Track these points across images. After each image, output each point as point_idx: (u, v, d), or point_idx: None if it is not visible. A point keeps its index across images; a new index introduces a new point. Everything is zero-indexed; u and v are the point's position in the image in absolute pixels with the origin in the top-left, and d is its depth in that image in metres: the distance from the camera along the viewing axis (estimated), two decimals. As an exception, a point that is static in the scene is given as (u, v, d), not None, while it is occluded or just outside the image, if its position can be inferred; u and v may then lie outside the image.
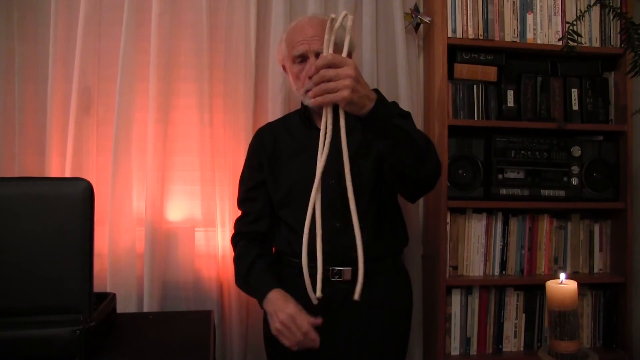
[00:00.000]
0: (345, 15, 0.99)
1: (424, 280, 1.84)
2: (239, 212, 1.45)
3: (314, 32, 1.31)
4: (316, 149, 1.03)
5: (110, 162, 1.64)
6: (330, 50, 1.00)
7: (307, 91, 1.32)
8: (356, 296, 1.00)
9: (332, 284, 1.27)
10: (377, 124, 1.04)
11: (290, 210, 1.34)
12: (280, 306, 1.19)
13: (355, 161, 1.08)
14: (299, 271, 1.31)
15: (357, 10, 1.81)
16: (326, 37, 0.99)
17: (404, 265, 1.46)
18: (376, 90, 1.07)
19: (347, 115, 1.41)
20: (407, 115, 1.32)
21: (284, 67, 1.45)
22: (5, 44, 1.67)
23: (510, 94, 1.76)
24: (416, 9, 1.82)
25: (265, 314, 1.44)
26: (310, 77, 1.29)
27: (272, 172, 1.38)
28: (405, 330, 1.42)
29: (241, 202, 1.44)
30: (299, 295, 1.31)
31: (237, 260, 1.40)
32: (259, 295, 1.27)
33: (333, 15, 0.99)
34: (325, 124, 1.00)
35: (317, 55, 1.30)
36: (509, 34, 1.76)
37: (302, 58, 1.33)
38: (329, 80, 0.97)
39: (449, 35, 1.71)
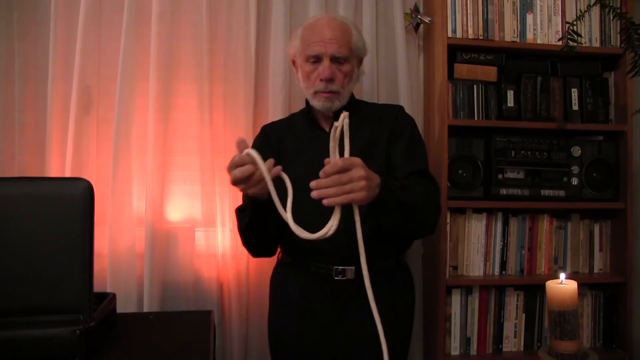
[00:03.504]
0: (346, 116, 0.98)
1: (424, 280, 1.84)
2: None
3: (332, 34, 1.31)
4: (320, 150, 1.04)
5: (110, 162, 1.64)
6: (337, 154, 0.99)
7: (315, 92, 1.33)
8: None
9: (336, 283, 1.28)
10: (383, 204, 1.08)
11: (294, 209, 1.34)
12: None
13: None
14: (303, 269, 1.32)
15: (357, 10, 1.81)
16: (331, 144, 0.98)
17: (407, 264, 1.46)
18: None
19: (353, 118, 1.41)
20: (405, 186, 1.26)
21: (293, 62, 1.44)
22: (5, 44, 1.67)
23: (510, 94, 1.76)
24: (416, 9, 1.82)
25: (269, 314, 1.45)
26: (321, 80, 1.31)
27: None
28: (407, 329, 1.42)
29: None
30: (302, 292, 1.32)
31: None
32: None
33: (337, 124, 0.97)
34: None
35: (332, 58, 1.31)
36: (509, 34, 1.76)
37: (316, 59, 1.33)
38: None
39: (449, 35, 1.71)
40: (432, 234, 1.34)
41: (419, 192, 1.21)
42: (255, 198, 1.12)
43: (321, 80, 1.31)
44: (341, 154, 1.00)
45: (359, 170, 0.99)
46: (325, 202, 0.98)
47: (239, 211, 1.31)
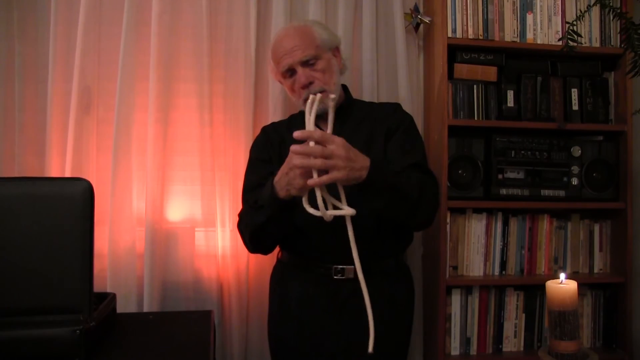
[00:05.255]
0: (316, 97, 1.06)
1: (424, 280, 1.84)
2: (244, 205, 1.37)
3: (292, 43, 1.34)
4: None
5: (110, 162, 1.64)
6: (312, 124, 1.04)
7: (305, 100, 1.33)
8: (370, 349, 1.03)
9: (335, 282, 1.28)
10: (373, 187, 1.09)
11: (295, 210, 1.34)
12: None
13: None
14: (303, 268, 1.32)
15: (357, 10, 1.81)
16: (307, 116, 1.03)
17: (407, 264, 1.46)
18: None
19: (351, 117, 1.41)
20: (399, 173, 1.26)
21: (281, 82, 1.46)
22: (5, 44, 1.66)
23: (510, 94, 1.76)
24: (416, 9, 1.82)
25: (269, 314, 1.45)
26: (302, 87, 1.32)
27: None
28: (407, 329, 1.42)
29: (252, 189, 1.33)
30: (301, 291, 1.32)
31: (243, 216, 1.34)
32: (268, 189, 1.16)
33: (311, 99, 1.06)
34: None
35: (302, 63, 1.33)
36: (509, 34, 1.76)
37: (290, 71, 1.35)
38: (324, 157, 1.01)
39: (449, 35, 1.71)
40: (430, 226, 1.32)
41: (414, 180, 1.20)
42: (281, 199, 1.13)
43: (302, 88, 1.33)
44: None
45: (338, 150, 1.01)
46: (310, 182, 1.01)
47: (250, 210, 1.28)
